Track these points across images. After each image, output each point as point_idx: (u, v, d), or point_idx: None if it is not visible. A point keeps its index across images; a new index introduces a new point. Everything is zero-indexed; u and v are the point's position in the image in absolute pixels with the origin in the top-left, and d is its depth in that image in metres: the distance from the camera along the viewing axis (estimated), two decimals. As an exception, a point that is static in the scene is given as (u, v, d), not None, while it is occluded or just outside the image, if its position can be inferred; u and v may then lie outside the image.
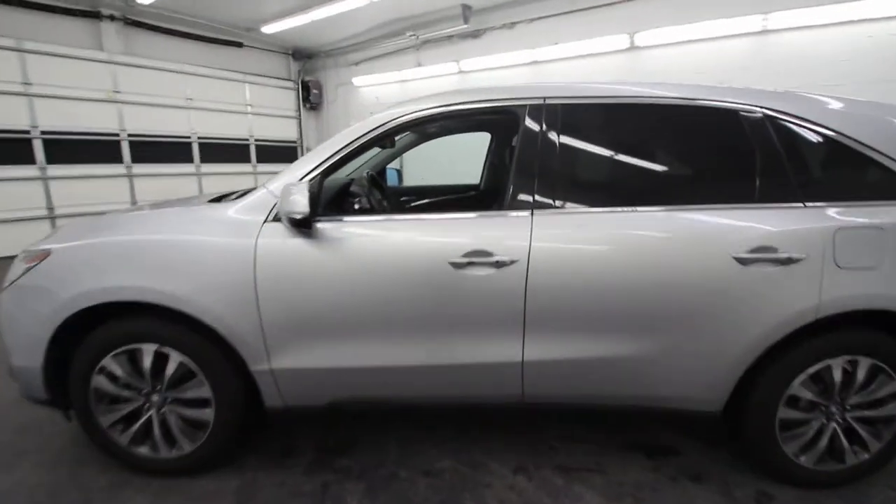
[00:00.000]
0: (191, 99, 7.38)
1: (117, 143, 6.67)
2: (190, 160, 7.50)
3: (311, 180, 1.74)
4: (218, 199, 2.03)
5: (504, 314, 1.71)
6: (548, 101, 1.80)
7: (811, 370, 1.73)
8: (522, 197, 1.75)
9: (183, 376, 1.81)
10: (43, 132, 5.99)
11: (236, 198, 1.91)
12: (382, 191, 2.58)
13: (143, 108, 6.87)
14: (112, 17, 6.57)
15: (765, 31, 4.56)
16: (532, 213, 1.72)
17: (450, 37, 6.85)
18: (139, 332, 1.78)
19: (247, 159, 8.31)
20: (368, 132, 1.83)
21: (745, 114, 1.75)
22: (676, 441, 2.18)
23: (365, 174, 2.55)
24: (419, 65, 7.32)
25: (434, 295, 1.70)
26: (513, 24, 6.29)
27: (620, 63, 5.45)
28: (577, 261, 1.69)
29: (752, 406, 1.79)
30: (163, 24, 7.10)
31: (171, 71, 7.12)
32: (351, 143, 1.82)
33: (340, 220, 1.78)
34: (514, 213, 1.74)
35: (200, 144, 7.57)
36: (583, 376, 1.78)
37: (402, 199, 3.38)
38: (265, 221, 1.74)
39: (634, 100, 1.79)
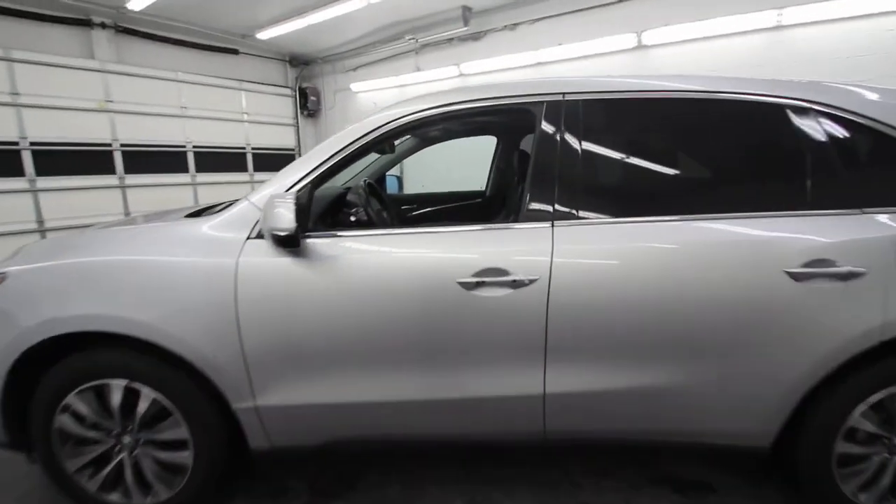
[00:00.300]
0: (185, 107, 7.19)
1: (109, 153, 6.48)
2: (185, 170, 7.30)
3: (299, 191, 1.53)
4: (197, 213, 1.83)
5: (522, 341, 1.49)
6: (567, 98, 1.59)
7: (873, 399, 1.51)
8: (541, 207, 1.53)
9: (157, 415, 1.59)
10: (32, 143, 5.80)
11: (218, 211, 1.70)
12: (382, 201, 2.37)
13: (136, 117, 6.69)
14: (103, 25, 6.40)
15: (779, 27, 4.37)
16: (552, 225, 1.51)
17: (450, 40, 6.67)
18: (107, 366, 1.56)
19: (244, 168, 8.12)
20: (364, 136, 1.62)
21: (794, 109, 1.54)
22: (709, 475, 1.95)
23: (362, 182, 2.34)
24: (418, 69, 7.14)
25: (441, 320, 1.49)
26: (515, 26, 6.11)
27: (627, 63, 5.25)
28: (605, 279, 1.47)
29: (806, 440, 1.57)
30: (156, 32, 6.93)
31: (164, 79, 6.95)
32: (344, 148, 1.61)
33: (334, 236, 1.57)
34: (531, 225, 1.52)
35: (196, 153, 7.37)
36: (614, 410, 1.56)
37: (403, 207, 3.18)
38: (248, 238, 1.53)
39: (668, 94, 1.58)
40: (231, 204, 1.72)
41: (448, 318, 1.49)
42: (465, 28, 6.21)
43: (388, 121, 1.62)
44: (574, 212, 1.53)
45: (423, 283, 1.48)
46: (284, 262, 1.49)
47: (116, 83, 6.48)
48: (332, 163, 1.61)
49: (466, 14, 6.08)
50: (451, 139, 2.83)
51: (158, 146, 6.97)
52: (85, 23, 6.28)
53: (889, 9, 3.94)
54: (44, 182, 5.93)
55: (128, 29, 6.67)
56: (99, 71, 6.33)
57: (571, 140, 1.56)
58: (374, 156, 2.73)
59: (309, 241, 1.53)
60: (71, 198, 6.16)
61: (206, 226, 1.58)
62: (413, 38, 6.77)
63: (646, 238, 1.50)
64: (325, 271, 1.50)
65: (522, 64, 6.03)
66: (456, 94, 1.67)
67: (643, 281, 1.47)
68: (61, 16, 6.11)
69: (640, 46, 5.14)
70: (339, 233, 1.59)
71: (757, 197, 1.54)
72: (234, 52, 7.89)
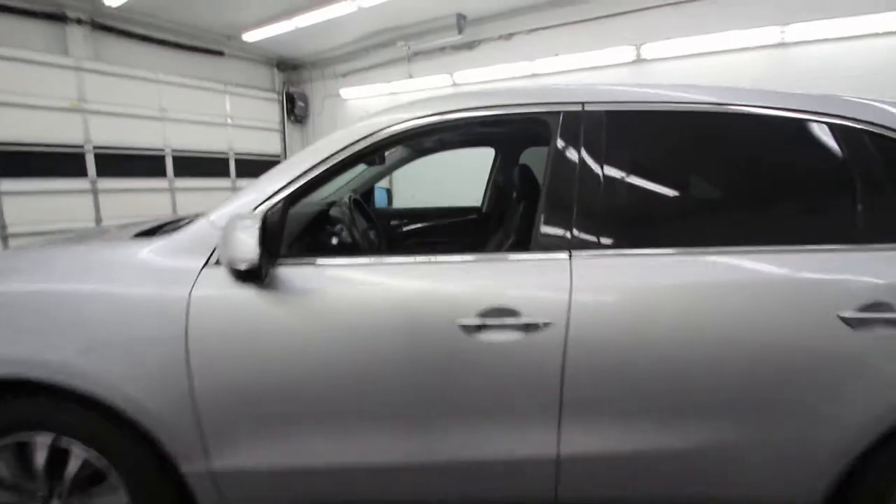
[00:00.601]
0: (165, 109, 6.87)
1: (81, 155, 6.12)
2: (163, 174, 6.96)
3: (269, 209, 1.28)
4: (151, 231, 1.56)
5: (534, 395, 1.26)
6: (588, 108, 1.37)
7: (931, 461, 1.31)
8: (556, 233, 1.31)
9: (90, 477, 1.31)
10: (-5, 143, 5.44)
11: (173, 231, 1.43)
12: (369, 219, 2.12)
13: (111, 118, 6.34)
14: (79, 21, 6.09)
15: (783, 44, 4.27)
16: (570, 256, 1.28)
17: (443, 48, 6.50)
18: (28, 419, 1.28)
19: (226, 174, 7.79)
20: (350, 145, 1.37)
21: (844, 129, 1.35)
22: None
23: (347, 198, 2.10)
24: (410, 77, 6.95)
25: (438, 369, 1.25)
26: (510, 36, 5.96)
27: (625, 76, 5.12)
28: (633, 321, 1.25)
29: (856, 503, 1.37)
30: (136, 30, 6.64)
31: (144, 79, 6.62)
32: (327, 159, 1.36)
33: (311, 264, 1.32)
34: (545, 256, 1.30)
35: (175, 158, 7.04)
36: (639, 474, 1.33)
37: (392, 223, 2.93)
38: (205, 266, 1.27)
39: (704, 108, 1.38)
40: (190, 222, 1.46)
41: (446, 367, 1.25)
42: (460, 36, 6.05)
43: (378, 128, 1.39)
44: (595, 240, 1.30)
45: (416, 325, 1.24)
46: (249, 297, 1.24)
47: (92, 82, 6.15)
48: (311, 176, 1.35)
49: (461, 22, 5.92)
50: (446, 150, 2.60)
51: (135, 149, 6.63)
52: (59, 17, 5.96)
53: (896, 28, 3.85)
54: (7, 184, 5.55)
55: (106, 26, 6.37)
56: (73, 69, 5.99)
57: (593, 157, 1.34)
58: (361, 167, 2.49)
59: (280, 269, 1.28)
60: (38, 202, 5.78)
61: (151, 249, 1.31)
62: (405, 45, 6.58)
63: (678, 274, 1.28)
64: (300, 309, 1.25)
65: (517, 75, 5.88)
66: (456, 100, 1.44)
67: (676, 324, 1.25)
68: (33, 9, 5.79)
69: (638, 60, 5.02)
70: (318, 261, 1.34)
71: (807, 229, 1.35)
72: (219, 53, 7.62)
